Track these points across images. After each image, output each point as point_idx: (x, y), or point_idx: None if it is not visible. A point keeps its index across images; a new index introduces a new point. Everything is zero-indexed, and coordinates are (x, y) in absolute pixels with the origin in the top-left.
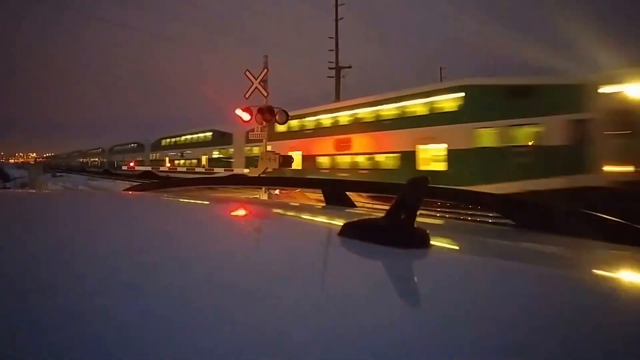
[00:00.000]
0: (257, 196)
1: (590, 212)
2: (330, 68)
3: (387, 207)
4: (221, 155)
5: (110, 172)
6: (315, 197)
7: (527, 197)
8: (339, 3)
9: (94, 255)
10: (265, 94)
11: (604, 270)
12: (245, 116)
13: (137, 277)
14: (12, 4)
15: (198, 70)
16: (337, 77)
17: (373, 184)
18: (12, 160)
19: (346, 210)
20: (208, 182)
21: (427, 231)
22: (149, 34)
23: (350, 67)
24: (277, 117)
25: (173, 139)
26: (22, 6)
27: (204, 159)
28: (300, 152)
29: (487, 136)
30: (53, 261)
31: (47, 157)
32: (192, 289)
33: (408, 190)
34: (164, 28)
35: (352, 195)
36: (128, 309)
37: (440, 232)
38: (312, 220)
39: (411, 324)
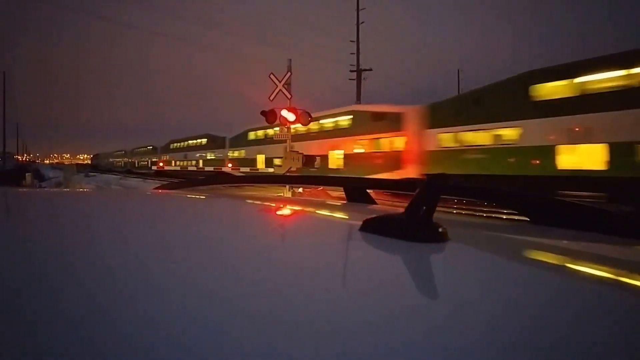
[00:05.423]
0: (281, 194)
1: (605, 208)
2: (351, 71)
3: (406, 204)
4: (156, 159)
5: (131, 171)
6: (337, 195)
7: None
8: (360, 7)
9: (123, 251)
10: (289, 96)
11: (622, 266)
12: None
13: (163, 275)
14: (46, 8)
15: (223, 75)
16: (358, 80)
17: (393, 181)
18: (47, 161)
19: (367, 207)
20: (234, 180)
21: (445, 226)
22: (179, 40)
23: (371, 69)
24: (300, 119)
25: (139, 149)
26: (56, 10)
27: (149, 162)
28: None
29: None
30: (84, 258)
31: (90, 157)
32: (215, 285)
33: (426, 186)
34: (196, 35)
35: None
36: (153, 305)
37: (458, 227)
38: (334, 216)
39: (430, 317)
